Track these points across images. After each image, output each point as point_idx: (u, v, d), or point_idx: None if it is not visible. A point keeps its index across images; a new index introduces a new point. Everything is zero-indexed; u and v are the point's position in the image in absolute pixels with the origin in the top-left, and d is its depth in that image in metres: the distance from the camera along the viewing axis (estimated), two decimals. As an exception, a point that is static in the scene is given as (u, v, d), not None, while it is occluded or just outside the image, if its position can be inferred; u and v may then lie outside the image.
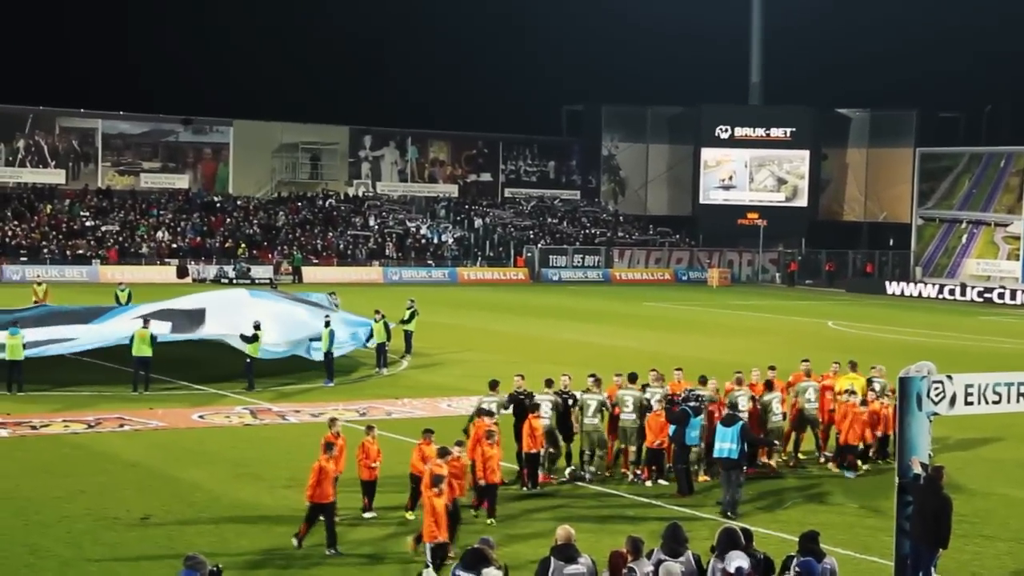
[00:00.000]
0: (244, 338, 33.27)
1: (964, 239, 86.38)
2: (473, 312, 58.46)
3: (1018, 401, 17.63)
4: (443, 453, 19.07)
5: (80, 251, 74.48)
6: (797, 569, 13.94)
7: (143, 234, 77.69)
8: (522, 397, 23.64)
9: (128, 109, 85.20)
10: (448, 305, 58.56)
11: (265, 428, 28.64)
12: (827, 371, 27.22)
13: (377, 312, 38.08)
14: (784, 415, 25.16)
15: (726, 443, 21.46)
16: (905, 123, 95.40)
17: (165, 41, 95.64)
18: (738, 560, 13.47)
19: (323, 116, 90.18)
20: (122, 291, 46.21)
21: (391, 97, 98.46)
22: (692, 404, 22.99)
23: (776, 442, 24.91)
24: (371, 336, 37.46)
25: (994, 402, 17.45)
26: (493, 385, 23.96)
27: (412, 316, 40.63)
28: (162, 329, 34.46)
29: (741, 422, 21.95)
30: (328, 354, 34.73)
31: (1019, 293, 75.93)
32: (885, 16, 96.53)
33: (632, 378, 24.45)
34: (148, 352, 32.59)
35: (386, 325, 37.63)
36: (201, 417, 29.50)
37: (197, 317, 36.31)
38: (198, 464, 24.49)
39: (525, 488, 22.76)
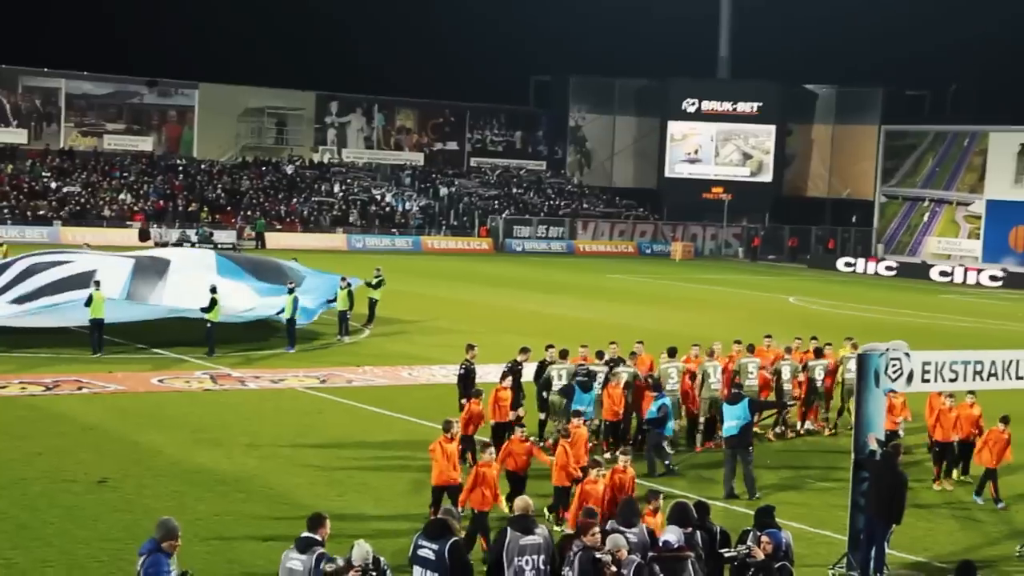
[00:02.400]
0: (203, 309, 33.10)
1: (926, 217, 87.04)
2: (436, 281, 58.41)
3: (974, 379, 17.82)
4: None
5: (41, 212, 73.88)
6: (764, 537, 14.10)
7: (105, 196, 77.11)
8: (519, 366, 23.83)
9: (92, 70, 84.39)
10: (411, 274, 58.48)
11: (225, 393, 28.56)
12: (789, 345, 27.53)
13: (343, 279, 38.02)
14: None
15: (735, 421, 21.31)
16: (871, 100, 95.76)
17: (131, 1, 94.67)
18: (668, 534, 13.61)
19: (290, 81, 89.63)
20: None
21: (358, 63, 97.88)
22: (580, 379, 22.98)
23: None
24: (334, 299, 37.52)
25: (951, 380, 17.64)
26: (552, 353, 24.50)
27: (380, 284, 40.58)
28: (121, 276, 34.25)
29: (746, 398, 21.80)
30: (291, 321, 34.65)
31: (935, 271, 76.47)
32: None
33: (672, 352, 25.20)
34: (103, 315, 32.34)
35: (350, 294, 37.56)
36: (161, 381, 29.39)
37: (161, 267, 35.97)
38: (157, 428, 24.41)
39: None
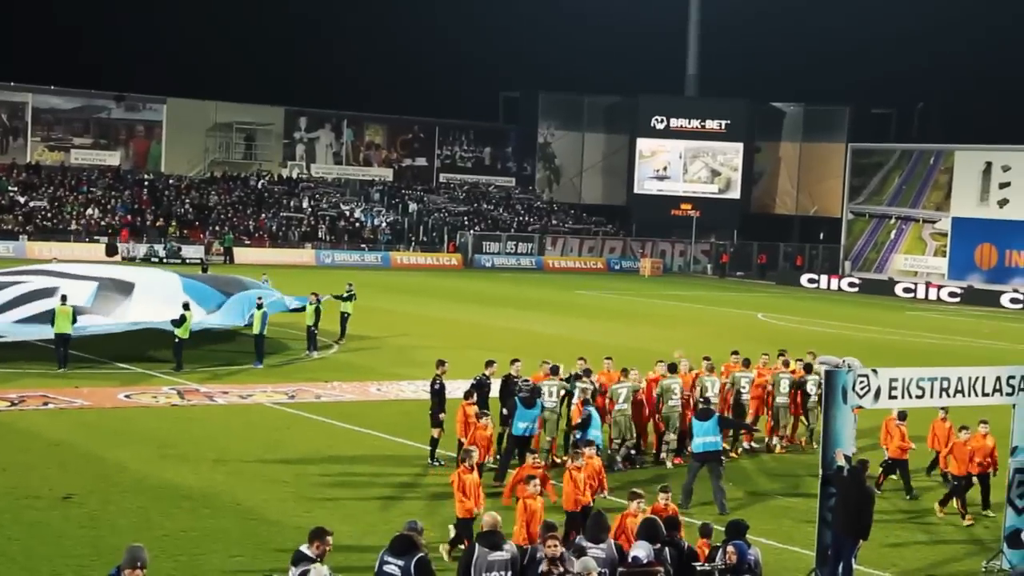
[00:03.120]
0: (174, 322, 32.96)
1: (893, 234, 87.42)
2: (405, 297, 58.33)
3: (940, 396, 17.89)
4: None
5: (7, 226, 73.42)
6: (731, 549, 14.16)
7: (71, 211, 76.71)
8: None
9: (60, 84, 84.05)
10: (380, 289, 58.38)
11: (193, 409, 28.41)
12: (756, 363, 27.58)
13: (314, 294, 37.95)
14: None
15: (708, 436, 21.39)
16: (838, 118, 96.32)
17: (99, 16, 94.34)
18: (638, 550, 13.61)
19: (258, 96, 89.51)
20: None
21: (327, 79, 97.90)
22: (523, 395, 22.82)
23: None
24: (302, 308, 37.61)
25: (918, 396, 17.69)
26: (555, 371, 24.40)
27: (351, 297, 40.53)
28: (86, 293, 34.07)
29: (716, 414, 22.09)
30: (259, 336, 34.54)
31: (899, 287, 76.94)
32: (821, 13, 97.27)
33: (624, 372, 24.95)
34: (68, 329, 32.14)
35: (318, 310, 37.47)
36: (127, 397, 29.21)
37: (125, 288, 35.80)
38: (123, 444, 24.25)
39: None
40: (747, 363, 27.08)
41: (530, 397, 22.76)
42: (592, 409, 22.65)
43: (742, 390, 26.20)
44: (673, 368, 25.52)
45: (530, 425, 22.49)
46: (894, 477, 23.35)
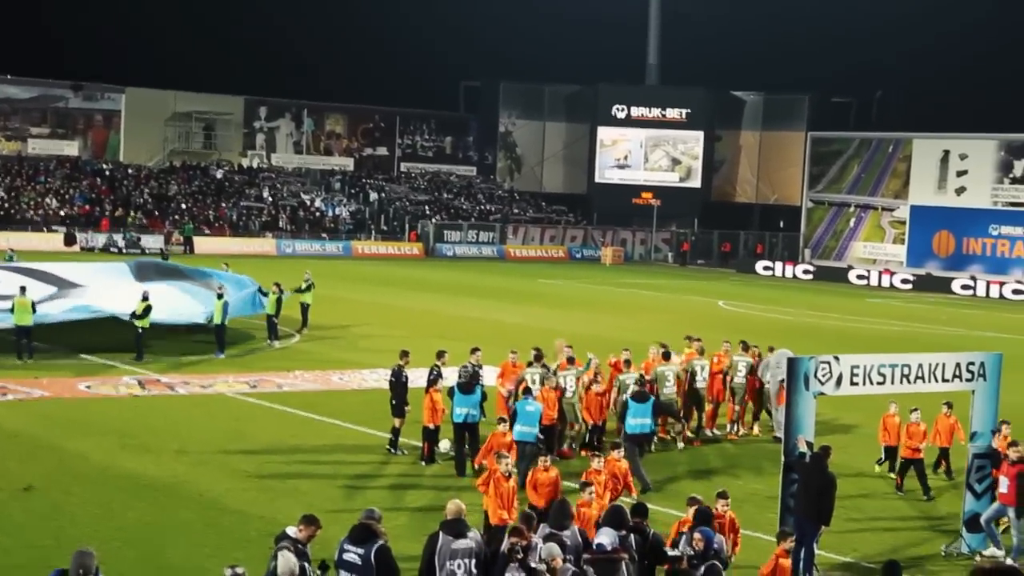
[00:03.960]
0: (134, 315, 32.77)
1: (852, 222, 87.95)
2: (367, 286, 58.21)
3: (901, 382, 18.03)
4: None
5: (-36, 217, 72.83)
6: (698, 535, 14.23)
7: (29, 201, 76.07)
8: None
9: (16, 73, 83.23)
10: (342, 279, 58.24)
11: (153, 399, 28.28)
12: (719, 350, 27.70)
13: (276, 284, 37.81)
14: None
15: (642, 418, 22.07)
16: (797, 107, 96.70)
17: (56, 4, 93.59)
18: (602, 537, 13.65)
19: (218, 86, 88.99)
20: (8, 259, 45.39)
21: (288, 68, 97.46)
22: (460, 381, 22.82)
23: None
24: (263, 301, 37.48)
25: (879, 383, 17.83)
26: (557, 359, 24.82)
27: (309, 287, 40.37)
28: (43, 292, 33.87)
29: (652, 398, 22.67)
30: (220, 326, 34.39)
31: (852, 274, 77.50)
32: (781, 2, 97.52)
33: (627, 363, 25.35)
34: (28, 321, 31.90)
35: (279, 299, 37.34)
36: (88, 387, 29.04)
37: (78, 291, 35.75)
38: (84, 435, 24.12)
39: (423, 462, 22.77)
40: (745, 347, 27.60)
41: (468, 383, 22.63)
42: (524, 402, 21.95)
43: (738, 373, 26.67)
44: (668, 355, 25.97)
45: (469, 411, 22.18)
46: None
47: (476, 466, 21.17)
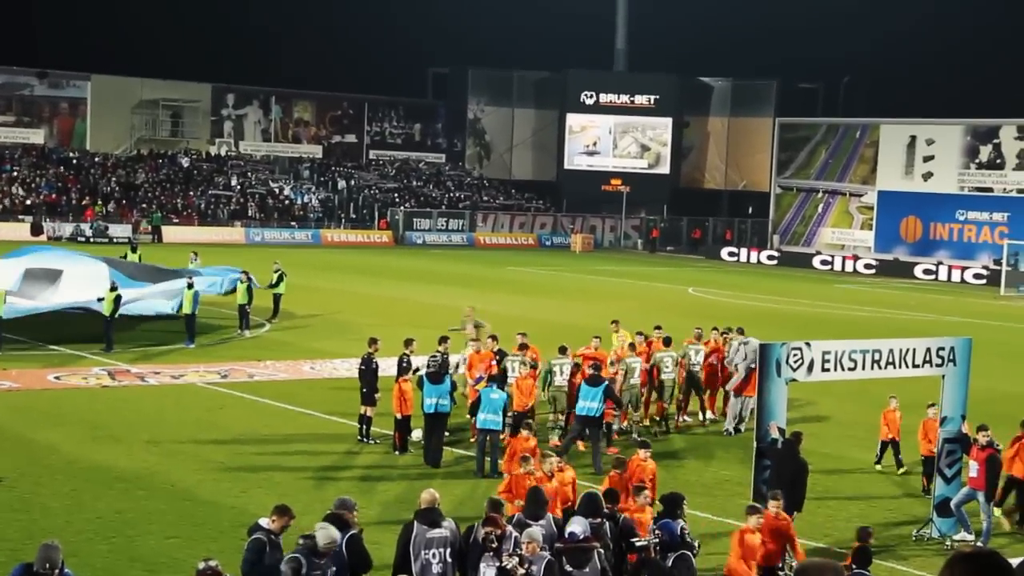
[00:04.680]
0: (101, 300, 32.65)
1: (820, 208, 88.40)
2: (336, 274, 58.07)
3: (872, 368, 18.12)
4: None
5: (-71, 206, 72.22)
6: (656, 531, 14.23)
7: (-4, 190, 75.56)
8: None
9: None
10: (311, 267, 58.08)
11: (124, 390, 28.14)
12: (689, 336, 27.78)
13: (244, 273, 37.66)
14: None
15: (592, 402, 22.17)
16: (765, 93, 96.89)
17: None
18: (574, 525, 13.66)
19: (185, 73, 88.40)
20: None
21: (255, 55, 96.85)
22: (429, 370, 22.72)
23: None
24: (233, 289, 37.27)
25: (850, 369, 17.93)
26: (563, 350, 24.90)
27: (280, 279, 40.23)
28: (10, 279, 33.68)
29: (606, 382, 22.72)
30: (190, 316, 34.25)
31: (816, 259, 77.88)
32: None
33: (632, 346, 26.00)
34: (1, 311, 31.72)
35: (250, 289, 37.22)
36: (57, 378, 28.88)
37: (53, 276, 35.55)
38: (54, 426, 23.99)
39: (396, 452, 22.75)
40: (668, 341, 27.05)
41: (437, 372, 22.57)
42: (488, 390, 22.13)
43: (664, 368, 26.08)
44: (632, 346, 26.11)
45: (439, 401, 22.07)
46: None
47: (499, 473, 20.73)
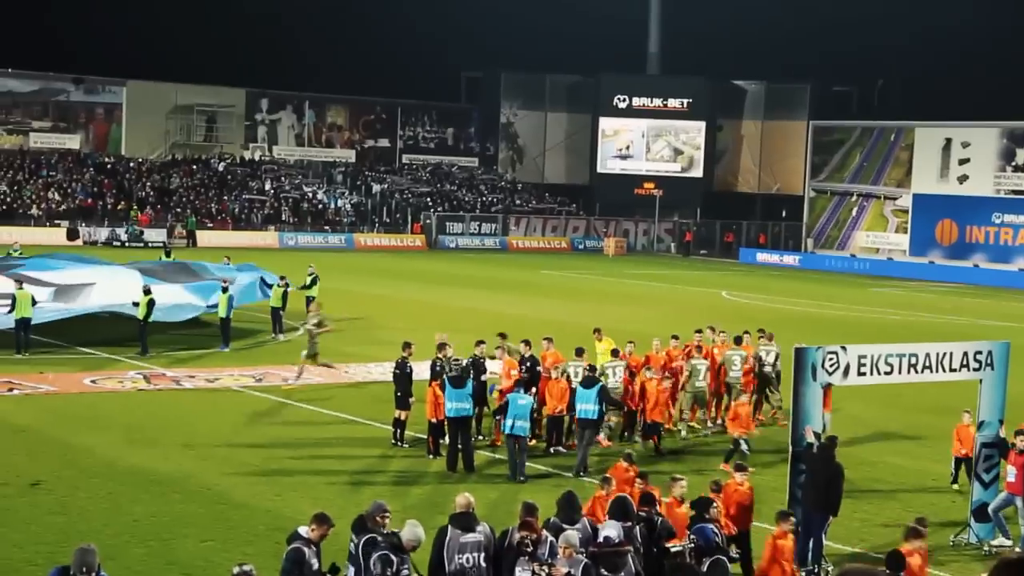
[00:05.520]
0: (136, 304, 32.84)
1: (854, 211, 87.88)
2: (370, 279, 58.19)
3: (909, 372, 18.00)
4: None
5: (-33, 211, 72.78)
6: (691, 536, 14.19)
7: (31, 195, 76.05)
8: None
9: (17, 66, 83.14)
10: (345, 271, 58.23)
11: (159, 393, 28.28)
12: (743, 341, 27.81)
13: (282, 278, 37.83)
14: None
15: (587, 404, 22.20)
16: (799, 96, 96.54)
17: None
18: (608, 530, 13.62)
19: (219, 78, 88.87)
20: (15, 251, 45.39)
21: (289, 60, 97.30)
22: (452, 375, 22.43)
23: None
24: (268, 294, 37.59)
25: (886, 373, 17.81)
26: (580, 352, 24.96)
27: (314, 282, 40.39)
28: (42, 294, 33.89)
29: (600, 383, 22.60)
30: (225, 319, 34.38)
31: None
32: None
33: (699, 348, 26.66)
34: (29, 313, 31.93)
35: (286, 292, 37.37)
36: (93, 382, 29.03)
37: (85, 290, 35.71)
38: (90, 429, 24.12)
39: (430, 456, 22.75)
40: (738, 340, 27.68)
41: (459, 377, 22.40)
42: (516, 395, 21.97)
43: (734, 367, 26.66)
44: (739, 340, 27.32)
45: (460, 406, 21.99)
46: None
47: (526, 478, 21.05)
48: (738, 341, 27.54)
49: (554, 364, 24.25)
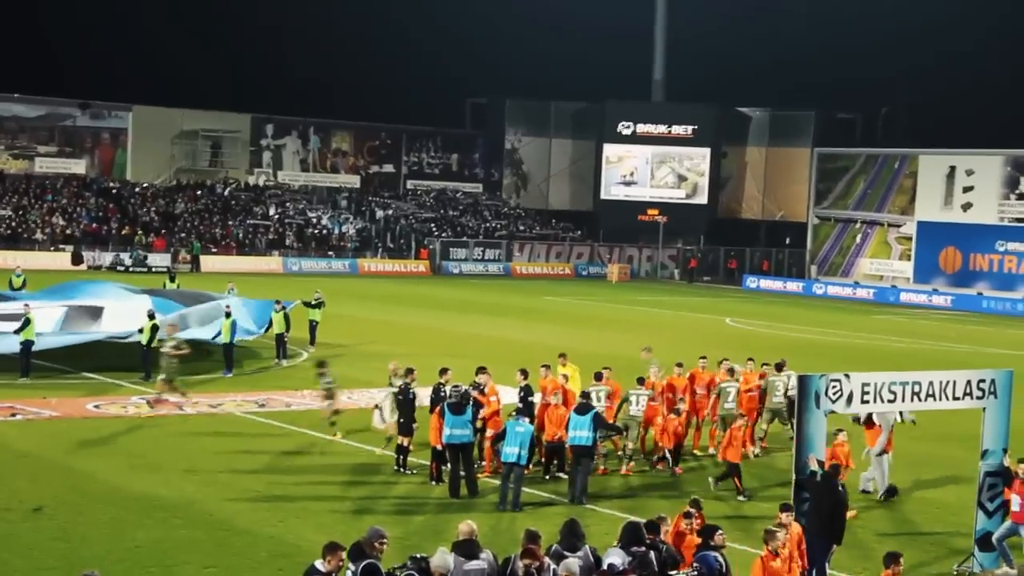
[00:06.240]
0: (140, 331, 32.89)
1: (858, 239, 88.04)
2: (373, 304, 58.23)
3: (912, 400, 17.98)
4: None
5: (-28, 235, 72.93)
6: (695, 564, 14.15)
7: (36, 219, 76.18)
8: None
9: (24, 91, 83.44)
10: (348, 297, 58.26)
11: (162, 419, 28.25)
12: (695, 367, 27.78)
13: (278, 303, 37.81)
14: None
15: (581, 431, 22.09)
16: (803, 123, 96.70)
17: (63, 23, 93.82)
18: (612, 557, 13.58)
19: (225, 103, 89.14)
20: (17, 276, 45.46)
21: (294, 86, 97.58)
22: (451, 402, 22.30)
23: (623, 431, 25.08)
24: (269, 325, 37.35)
25: (889, 400, 17.79)
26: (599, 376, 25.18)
27: (319, 305, 40.43)
28: (53, 318, 33.96)
29: (594, 410, 22.53)
30: (228, 345, 34.39)
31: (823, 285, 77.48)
32: (786, 19, 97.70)
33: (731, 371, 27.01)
34: (32, 335, 32.00)
35: (286, 316, 37.38)
36: (96, 407, 29.03)
37: (95, 312, 35.84)
38: (93, 455, 24.11)
39: (433, 482, 22.70)
40: (780, 367, 27.79)
41: (458, 403, 22.30)
42: (514, 423, 21.85)
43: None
44: (731, 371, 27.00)
45: (459, 432, 21.94)
46: None
47: (522, 507, 21.13)
48: (779, 367, 27.72)
49: (553, 390, 24.22)
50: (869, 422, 22.48)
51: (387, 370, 25.41)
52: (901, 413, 17.63)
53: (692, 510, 16.04)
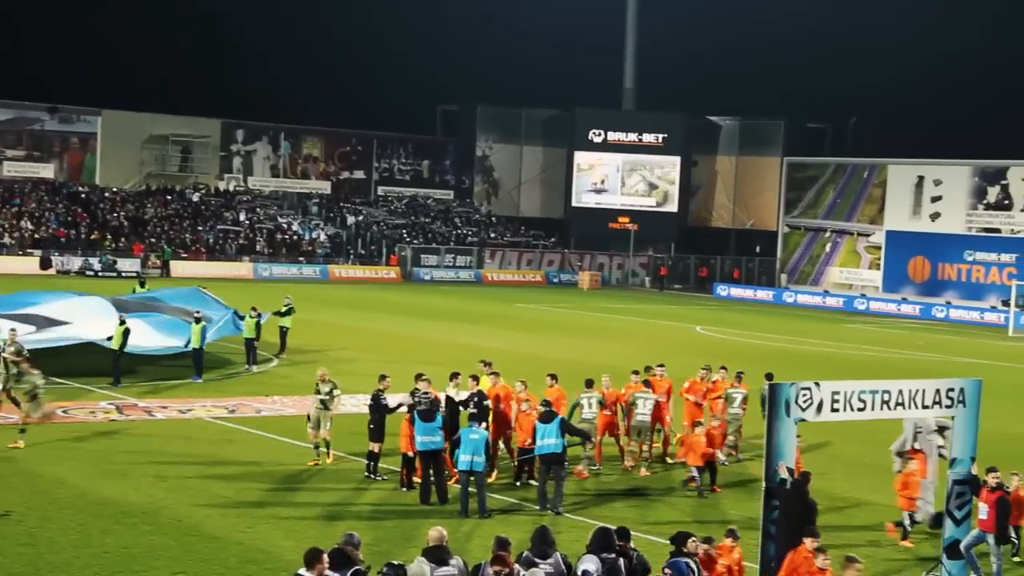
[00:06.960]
0: (110, 339, 32.68)
1: (828, 247, 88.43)
2: (344, 310, 58.12)
3: (882, 408, 18.02)
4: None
5: (-61, 239, 72.40)
6: (666, 569, 14.16)
7: (4, 224, 75.71)
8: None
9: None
10: (319, 303, 58.13)
11: (131, 424, 28.11)
12: (694, 376, 27.70)
13: (253, 309, 37.69)
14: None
15: (549, 439, 21.88)
16: (773, 132, 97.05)
17: (31, 26, 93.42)
18: (586, 564, 13.57)
19: (195, 109, 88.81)
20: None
21: (265, 91, 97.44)
22: (421, 408, 22.28)
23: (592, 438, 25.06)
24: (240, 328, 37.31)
25: (859, 409, 17.81)
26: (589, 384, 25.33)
27: (289, 311, 40.30)
28: (24, 330, 33.70)
29: (559, 417, 22.38)
30: (198, 350, 34.26)
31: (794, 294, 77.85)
32: (756, 28, 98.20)
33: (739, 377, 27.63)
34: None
35: (258, 323, 37.26)
36: (65, 412, 28.85)
37: (60, 324, 35.55)
38: (61, 460, 23.96)
39: (403, 489, 22.65)
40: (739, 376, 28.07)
41: (429, 410, 22.26)
42: (468, 430, 21.82)
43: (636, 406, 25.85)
44: (740, 376, 27.63)
45: (430, 439, 21.89)
46: None
47: (489, 513, 21.07)
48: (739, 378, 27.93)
49: (506, 397, 24.25)
50: (915, 451, 22.02)
51: (345, 376, 25.20)
52: (940, 447, 17.76)
53: (727, 538, 16.24)
